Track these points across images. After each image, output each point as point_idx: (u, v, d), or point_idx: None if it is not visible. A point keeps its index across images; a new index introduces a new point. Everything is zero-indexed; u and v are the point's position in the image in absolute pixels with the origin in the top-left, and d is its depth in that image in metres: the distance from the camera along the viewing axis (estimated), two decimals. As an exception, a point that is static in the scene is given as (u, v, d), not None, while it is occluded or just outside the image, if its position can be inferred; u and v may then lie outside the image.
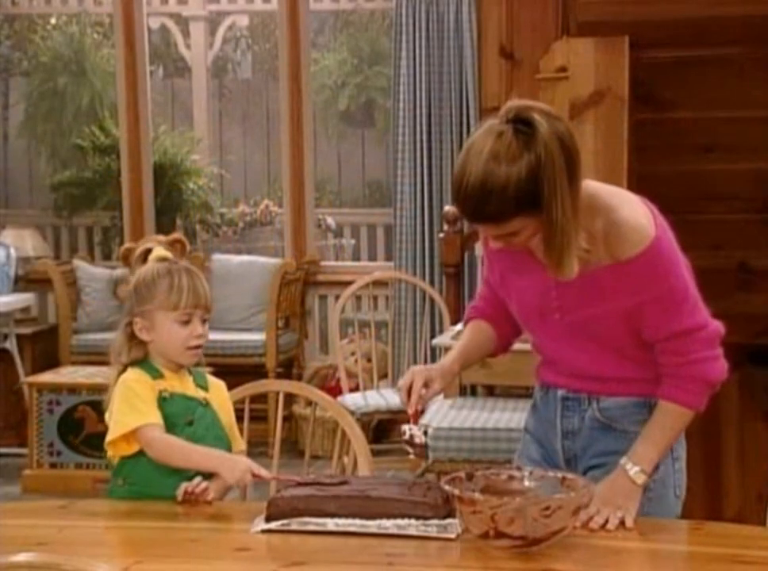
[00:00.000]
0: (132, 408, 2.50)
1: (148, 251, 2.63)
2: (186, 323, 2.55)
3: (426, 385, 2.42)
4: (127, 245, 6.74)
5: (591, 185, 2.33)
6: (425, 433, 2.46)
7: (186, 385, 2.59)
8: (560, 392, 2.48)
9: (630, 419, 2.42)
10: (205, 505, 2.46)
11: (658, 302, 2.31)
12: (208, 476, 2.51)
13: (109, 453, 2.56)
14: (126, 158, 7.10)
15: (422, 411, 2.45)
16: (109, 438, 2.53)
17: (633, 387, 2.42)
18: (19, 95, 10.13)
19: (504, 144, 2.18)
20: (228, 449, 2.60)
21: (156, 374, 2.56)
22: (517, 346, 2.68)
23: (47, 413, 5.53)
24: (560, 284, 2.34)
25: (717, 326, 2.36)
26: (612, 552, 2.16)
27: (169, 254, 2.63)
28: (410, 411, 2.41)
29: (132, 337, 2.58)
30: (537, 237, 2.28)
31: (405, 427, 2.42)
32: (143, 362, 2.58)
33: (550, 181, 2.17)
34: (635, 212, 2.32)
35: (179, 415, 2.53)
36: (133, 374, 2.56)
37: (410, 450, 2.40)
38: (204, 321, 2.58)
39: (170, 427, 2.52)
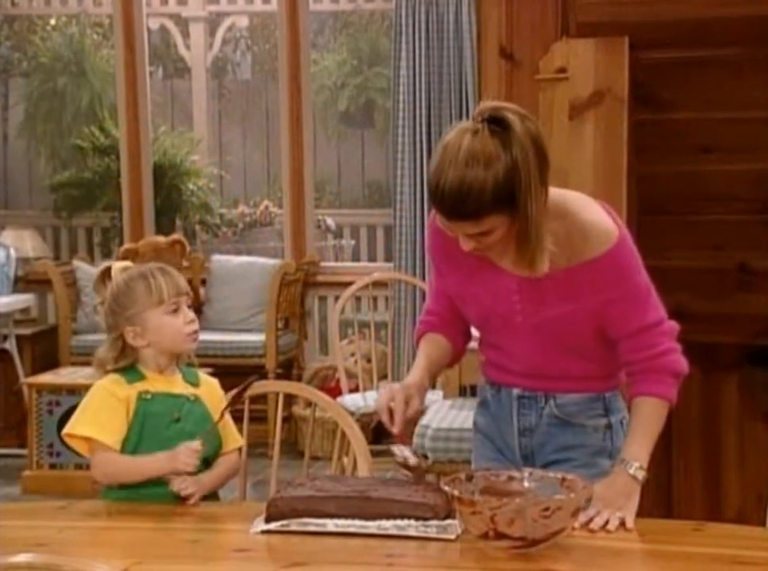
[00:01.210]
0: (92, 417, 2.53)
1: (107, 270, 2.63)
2: (176, 311, 2.56)
3: (406, 402, 2.39)
4: (126, 246, 6.75)
5: (551, 190, 2.36)
6: (415, 453, 2.38)
7: (172, 384, 2.58)
8: (515, 391, 2.52)
9: (586, 415, 2.49)
10: (204, 505, 2.46)
11: (625, 298, 2.37)
12: (202, 470, 2.53)
13: (68, 442, 2.58)
14: (126, 158, 7.10)
15: (407, 432, 2.40)
16: (64, 431, 2.56)
17: (588, 384, 2.48)
18: (19, 96, 10.14)
19: (480, 143, 2.21)
20: (219, 444, 2.60)
21: (136, 378, 2.56)
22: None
23: (46, 414, 5.54)
24: (522, 287, 2.39)
25: (673, 322, 2.44)
26: (611, 553, 2.16)
27: (129, 264, 2.66)
28: (396, 431, 2.35)
29: (123, 349, 2.57)
30: (503, 239, 2.30)
31: (395, 449, 2.34)
32: (125, 368, 2.58)
33: (526, 180, 2.21)
34: (597, 213, 2.38)
35: (163, 414, 2.53)
36: (109, 380, 2.56)
37: (408, 473, 2.30)
38: (189, 307, 2.60)
39: (154, 426, 2.52)
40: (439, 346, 2.58)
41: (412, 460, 2.34)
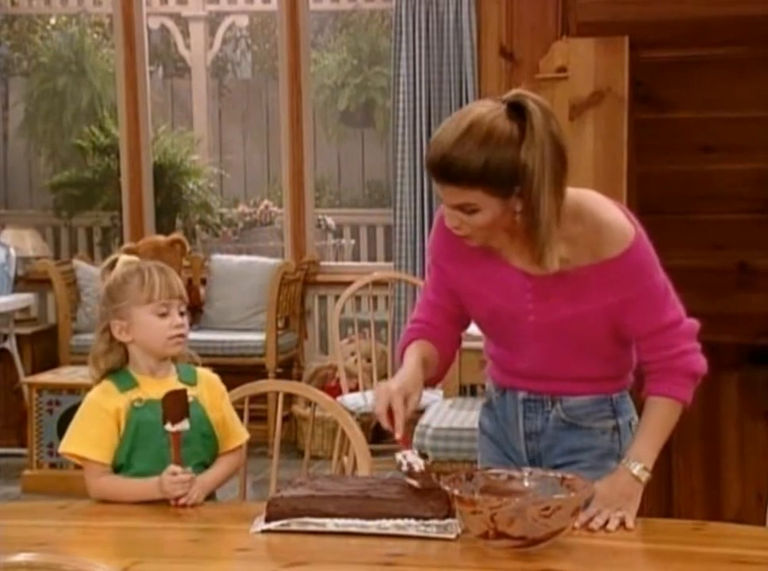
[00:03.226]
0: (83, 434, 2.53)
1: (115, 261, 2.61)
2: (164, 315, 2.53)
3: (404, 402, 2.30)
4: (127, 245, 6.75)
5: (568, 191, 2.34)
6: (423, 455, 2.31)
7: (166, 387, 2.51)
8: (521, 395, 2.49)
9: (593, 417, 2.47)
10: (204, 505, 2.46)
11: (644, 298, 2.35)
12: (200, 470, 2.52)
13: (65, 457, 2.60)
14: (126, 158, 7.10)
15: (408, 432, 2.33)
16: (60, 448, 2.59)
17: (596, 386, 2.46)
18: (19, 95, 10.14)
19: (490, 118, 2.20)
20: (216, 445, 2.58)
21: (129, 385, 2.54)
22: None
23: (47, 413, 5.54)
24: (536, 285, 2.36)
25: (693, 321, 2.41)
26: (612, 552, 2.16)
27: (135, 259, 2.62)
28: (398, 435, 2.27)
29: (110, 342, 2.55)
30: (504, 235, 2.29)
31: (399, 457, 2.26)
32: (118, 371, 2.56)
33: (539, 176, 2.18)
34: (614, 213, 2.36)
35: (156, 422, 2.46)
36: (99, 391, 2.55)
37: (414, 482, 2.23)
38: (182, 314, 2.56)
39: (148, 434, 2.49)
40: (430, 353, 2.48)
41: (417, 466, 2.26)
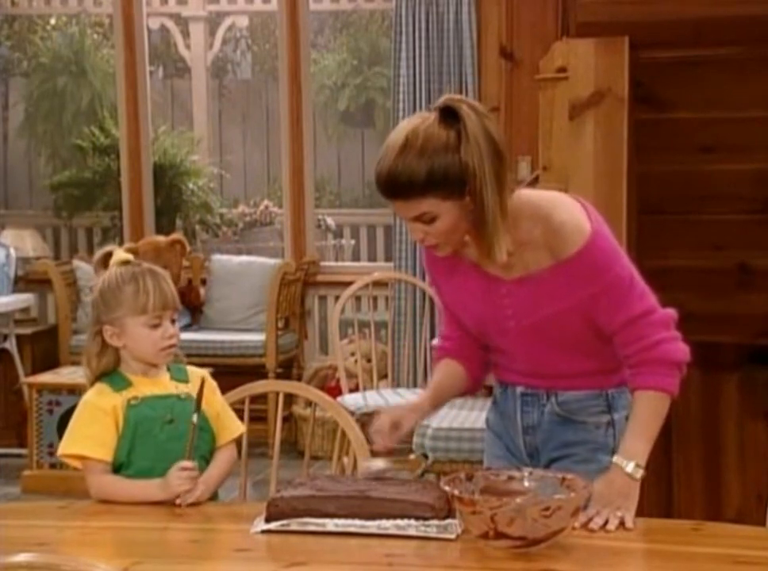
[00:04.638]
0: (81, 433, 2.52)
1: (109, 255, 2.60)
2: (157, 326, 2.53)
3: (396, 425, 2.48)
4: (127, 245, 6.74)
5: (525, 193, 2.41)
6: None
7: (160, 385, 2.55)
8: (519, 389, 2.54)
9: (588, 411, 2.50)
10: (204, 505, 2.46)
11: (607, 292, 2.37)
12: (202, 467, 2.52)
13: (64, 461, 2.58)
14: (126, 158, 7.10)
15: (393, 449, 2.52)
16: (58, 452, 2.58)
17: (589, 381, 2.49)
18: (19, 95, 10.14)
19: (423, 128, 2.26)
20: (213, 439, 2.59)
21: (123, 385, 2.54)
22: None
23: (47, 413, 5.54)
24: (511, 291, 2.42)
25: (669, 311, 2.42)
26: (611, 552, 2.16)
27: (130, 257, 2.60)
28: (380, 449, 2.46)
29: (103, 344, 2.55)
30: (459, 232, 2.34)
31: (366, 463, 2.48)
32: (111, 372, 2.56)
33: (480, 172, 2.24)
34: (570, 211, 2.39)
35: (154, 418, 2.50)
36: (94, 393, 2.55)
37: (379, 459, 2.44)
38: (173, 321, 2.56)
39: (146, 430, 2.50)
40: (453, 373, 2.60)
41: (376, 467, 2.44)
